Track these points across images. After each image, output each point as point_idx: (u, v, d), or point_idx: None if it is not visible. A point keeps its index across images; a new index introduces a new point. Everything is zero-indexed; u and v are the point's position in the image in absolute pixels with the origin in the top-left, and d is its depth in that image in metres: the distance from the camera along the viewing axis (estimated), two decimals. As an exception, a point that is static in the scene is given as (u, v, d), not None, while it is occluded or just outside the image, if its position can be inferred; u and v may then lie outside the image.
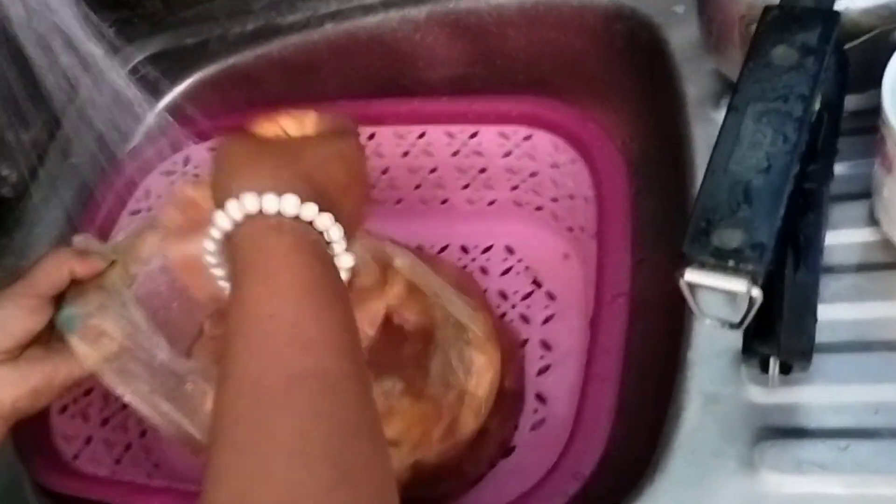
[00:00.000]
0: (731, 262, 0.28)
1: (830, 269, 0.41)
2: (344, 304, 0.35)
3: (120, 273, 0.48)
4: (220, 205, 0.35)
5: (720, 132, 0.31)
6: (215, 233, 0.36)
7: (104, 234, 0.65)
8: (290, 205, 0.34)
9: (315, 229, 0.35)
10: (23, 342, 0.45)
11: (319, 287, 0.34)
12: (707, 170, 0.31)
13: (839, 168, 0.42)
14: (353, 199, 0.39)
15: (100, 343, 0.46)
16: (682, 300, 0.42)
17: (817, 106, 0.32)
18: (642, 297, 0.49)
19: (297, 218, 0.35)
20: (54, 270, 0.47)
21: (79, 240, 0.50)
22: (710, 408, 0.40)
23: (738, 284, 0.28)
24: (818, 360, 0.38)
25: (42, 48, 0.47)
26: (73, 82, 0.51)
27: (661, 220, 0.53)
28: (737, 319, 0.31)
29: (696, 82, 0.51)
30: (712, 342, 0.42)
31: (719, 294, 0.29)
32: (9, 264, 0.66)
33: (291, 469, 0.28)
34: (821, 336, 0.38)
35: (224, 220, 0.35)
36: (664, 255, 0.51)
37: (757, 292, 0.28)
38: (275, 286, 0.33)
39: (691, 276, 0.29)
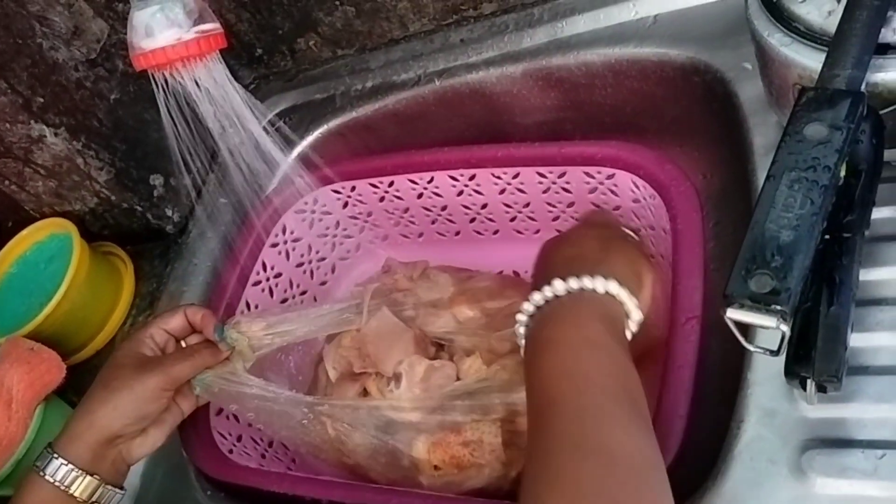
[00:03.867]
0: (763, 304, 0.36)
1: (876, 301, 0.47)
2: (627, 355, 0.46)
3: (241, 353, 0.61)
4: (540, 286, 0.48)
5: (759, 195, 0.39)
6: (533, 303, 0.48)
7: (249, 266, 0.76)
8: (598, 284, 0.47)
9: (614, 300, 0.48)
10: (151, 420, 0.56)
11: (617, 344, 0.45)
12: (748, 227, 0.38)
13: (886, 212, 0.48)
14: (637, 274, 0.52)
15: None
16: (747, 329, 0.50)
17: (843, 172, 0.39)
18: (712, 321, 0.55)
19: (598, 292, 0.47)
20: (191, 364, 0.58)
21: (212, 333, 0.61)
22: (767, 421, 0.47)
23: (769, 321, 0.36)
24: (860, 380, 0.44)
25: (208, 113, 0.57)
26: (223, 135, 0.62)
27: (728, 256, 0.60)
28: (774, 348, 0.38)
29: (761, 132, 0.57)
30: (769, 365, 0.48)
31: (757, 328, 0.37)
32: (172, 290, 0.78)
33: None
34: (863, 359, 0.44)
35: (541, 297, 0.47)
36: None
37: (785, 328, 0.35)
38: (585, 347, 0.44)
39: (732, 313, 0.36)
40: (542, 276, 0.50)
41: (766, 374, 0.48)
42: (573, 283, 0.47)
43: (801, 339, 0.40)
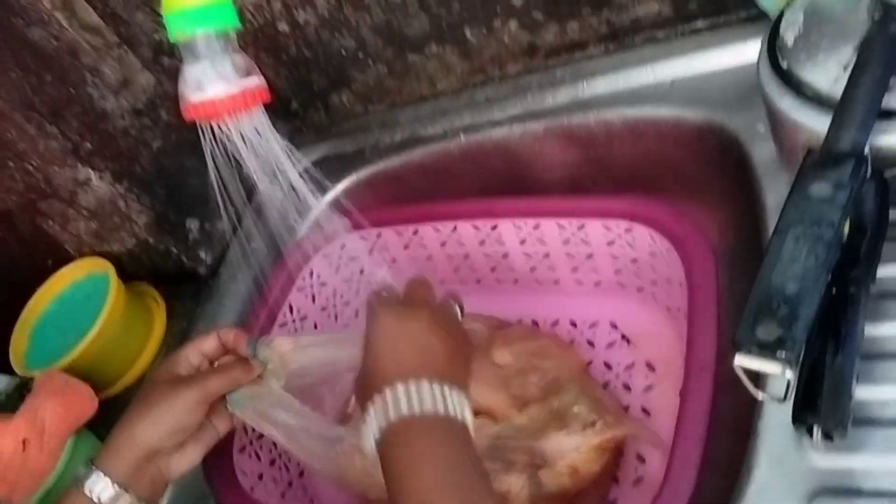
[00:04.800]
0: (770, 351, 0.38)
1: (883, 356, 0.48)
2: (484, 472, 0.46)
3: (273, 371, 0.62)
4: (370, 396, 0.48)
5: (767, 249, 0.41)
6: (372, 432, 0.48)
7: (276, 308, 0.79)
8: (435, 398, 0.47)
9: (452, 412, 0.47)
10: (189, 434, 0.58)
11: (470, 466, 0.46)
12: (756, 279, 0.40)
13: (890, 269, 0.50)
14: (464, 362, 0.53)
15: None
16: (758, 378, 0.51)
17: (847, 229, 0.41)
18: (725, 372, 0.57)
19: (438, 410, 0.47)
20: (225, 378, 0.59)
21: (245, 349, 0.62)
22: (776, 469, 0.48)
23: (776, 368, 0.37)
24: (868, 432, 0.45)
25: (250, 160, 0.60)
26: (262, 181, 0.65)
27: (742, 308, 0.61)
28: (781, 395, 0.40)
29: (773, 192, 0.60)
30: (778, 415, 0.50)
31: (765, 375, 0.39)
32: (201, 329, 0.81)
33: None
34: (871, 412, 0.46)
35: (378, 421, 0.47)
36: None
37: (790, 375, 0.37)
38: (435, 480, 0.44)
39: (741, 360, 0.38)
40: (381, 373, 0.50)
41: (775, 424, 0.50)
42: (425, 395, 0.47)
43: (809, 387, 0.42)
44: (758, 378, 0.40)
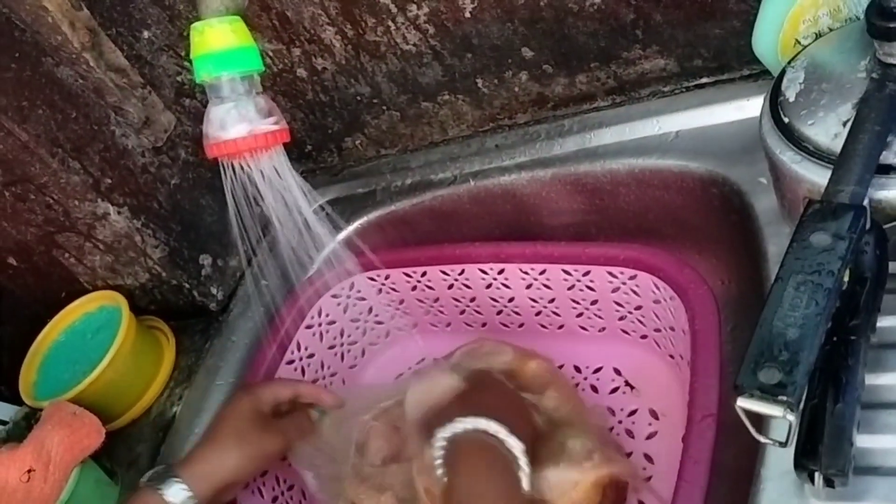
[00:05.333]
0: (771, 395, 0.38)
1: (884, 405, 0.49)
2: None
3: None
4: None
5: (768, 295, 0.42)
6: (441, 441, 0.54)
7: (284, 345, 0.80)
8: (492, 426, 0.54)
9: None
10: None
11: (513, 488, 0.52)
12: (757, 324, 0.42)
13: (890, 320, 0.51)
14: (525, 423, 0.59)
15: None
16: (760, 420, 0.52)
17: (847, 278, 0.42)
18: (728, 418, 0.57)
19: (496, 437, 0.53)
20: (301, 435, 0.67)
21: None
22: (777, 516, 0.49)
23: (777, 411, 0.38)
24: (868, 481, 0.46)
25: (267, 197, 0.62)
26: (278, 217, 0.67)
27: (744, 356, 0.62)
28: (783, 440, 0.41)
29: (775, 242, 0.61)
30: (780, 463, 0.50)
31: (766, 418, 0.40)
32: (210, 364, 0.82)
33: None
34: (872, 460, 0.46)
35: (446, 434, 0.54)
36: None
37: (791, 417, 0.38)
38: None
39: (743, 402, 0.39)
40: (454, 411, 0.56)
41: (777, 471, 0.50)
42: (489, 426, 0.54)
43: (810, 434, 0.43)
44: (760, 423, 0.41)
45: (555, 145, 0.79)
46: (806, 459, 0.43)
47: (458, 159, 0.85)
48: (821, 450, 0.42)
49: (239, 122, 0.52)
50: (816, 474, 0.43)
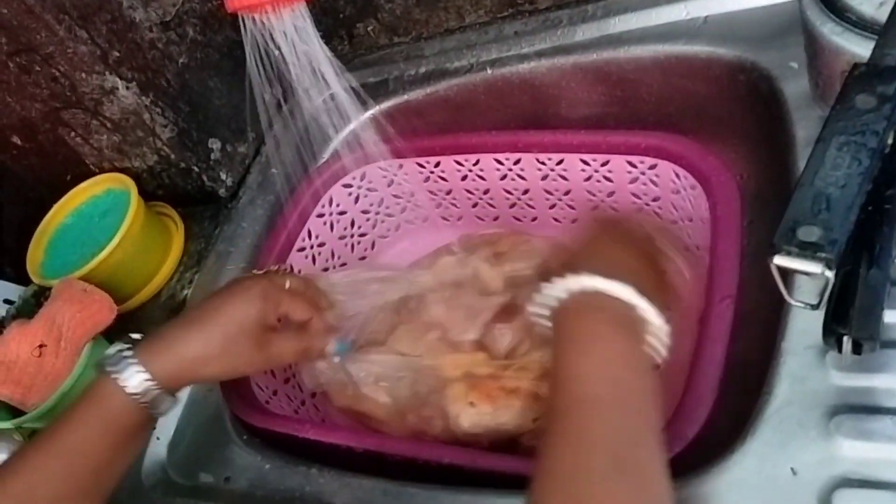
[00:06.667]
0: (810, 252, 0.38)
1: (910, 281, 0.49)
2: (646, 368, 0.46)
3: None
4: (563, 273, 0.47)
5: (810, 156, 0.41)
6: (553, 293, 0.47)
7: (295, 233, 0.79)
8: (621, 290, 0.46)
9: (633, 310, 0.46)
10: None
11: (631, 354, 0.45)
12: (797, 183, 0.41)
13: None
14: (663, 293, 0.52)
15: None
16: (781, 303, 0.52)
17: (890, 140, 0.41)
18: (746, 302, 0.57)
19: (618, 299, 0.46)
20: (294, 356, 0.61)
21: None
22: (797, 387, 0.49)
23: (816, 268, 0.38)
24: (889, 354, 0.46)
25: (292, 62, 0.56)
26: (292, 81, 0.63)
27: (765, 241, 0.62)
28: (815, 302, 0.40)
29: (805, 127, 0.60)
30: (803, 337, 0.51)
31: (802, 277, 0.39)
32: (220, 250, 0.81)
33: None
34: (893, 334, 0.47)
35: (560, 290, 0.47)
36: (767, 267, 0.59)
37: (830, 274, 0.38)
38: (597, 354, 0.44)
39: (780, 260, 0.39)
40: (583, 260, 0.49)
41: (799, 345, 0.50)
42: (619, 290, 0.46)
43: (841, 299, 0.43)
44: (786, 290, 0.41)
45: (577, 31, 0.77)
46: (836, 324, 0.43)
47: (475, 47, 0.82)
48: (852, 314, 0.42)
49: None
50: (845, 339, 0.43)
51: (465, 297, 0.68)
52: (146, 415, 0.52)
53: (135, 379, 0.50)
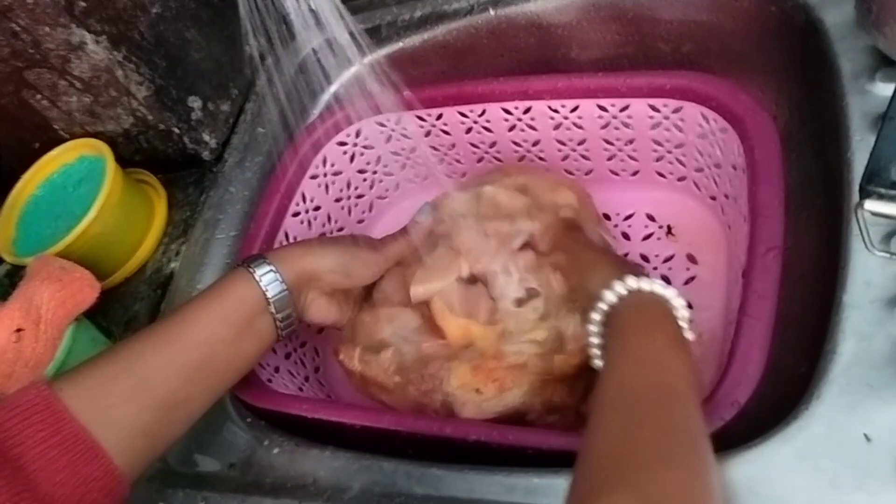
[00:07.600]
0: (907, 193, 0.33)
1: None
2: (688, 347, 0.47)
3: None
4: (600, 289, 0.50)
5: (893, 96, 0.36)
6: (604, 305, 0.50)
7: (288, 197, 0.73)
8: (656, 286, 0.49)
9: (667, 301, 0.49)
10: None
11: (681, 339, 0.47)
12: (883, 120, 0.36)
13: None
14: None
15: None
16: (836, 253, 0.47)
17: None
18: (794, 251, 0.53)
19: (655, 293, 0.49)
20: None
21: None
22: (864, 345, 0.45)
23: (915, 212, 0.33)
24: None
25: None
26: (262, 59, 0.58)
27: (810, 185, 0.57)
28: (904, 250, 0.36)
29: (851, 58, 0.55)
30: (867, 289, 0.46)
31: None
32: (208, 217, 0.75)
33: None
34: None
35: (612, 296, 0.49)
36: (817, 215, 0.55)
37: (931, 219, 0.33)
38: (657, 340, 0.46)
39: (871, 205, 0.34)
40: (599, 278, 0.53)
41: (863, 299, 0.46)
42: (647, 285, 0.49)
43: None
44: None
45: (588, -35, 0.70)
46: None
47: (477, -15, 0.76)
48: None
49: None
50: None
51: (492, 224, 0.64)
52: (270, 319, 0.56)
53: (264, 269, 0.55)
